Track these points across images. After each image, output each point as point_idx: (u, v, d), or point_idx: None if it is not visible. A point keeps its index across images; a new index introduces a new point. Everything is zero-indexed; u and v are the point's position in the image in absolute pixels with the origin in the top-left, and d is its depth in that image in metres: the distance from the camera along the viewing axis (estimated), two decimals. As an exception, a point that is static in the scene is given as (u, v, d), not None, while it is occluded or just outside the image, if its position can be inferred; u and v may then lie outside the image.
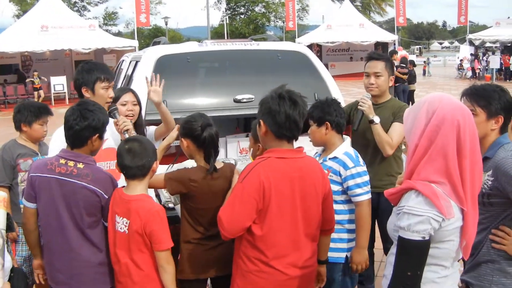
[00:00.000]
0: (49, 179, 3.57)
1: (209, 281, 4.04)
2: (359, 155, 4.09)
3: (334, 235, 3.86)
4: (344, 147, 4.06)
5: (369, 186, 4.02)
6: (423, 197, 2.44)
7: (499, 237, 3.13)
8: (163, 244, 3.49)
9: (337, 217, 3.80)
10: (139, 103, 4.70)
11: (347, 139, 4.17)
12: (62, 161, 3.57)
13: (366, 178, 4.01)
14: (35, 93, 28.40)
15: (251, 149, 4.24)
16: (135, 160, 3.51)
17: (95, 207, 3.56)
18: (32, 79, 28.61)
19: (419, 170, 2.52)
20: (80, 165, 3.55)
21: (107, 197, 3.55)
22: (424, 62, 46.92)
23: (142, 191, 3.59)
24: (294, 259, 3.37)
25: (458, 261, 2.71)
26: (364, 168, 4.04)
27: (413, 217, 2.44)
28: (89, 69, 4.19)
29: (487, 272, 3.14)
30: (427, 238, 2.43)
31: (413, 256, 2.46)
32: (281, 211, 3.28)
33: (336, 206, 3.83)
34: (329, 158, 4.05)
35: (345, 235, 4.07)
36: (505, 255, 3.14)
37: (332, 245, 3.86)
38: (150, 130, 4.80)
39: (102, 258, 3.65)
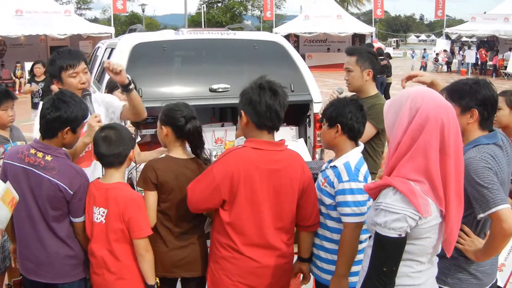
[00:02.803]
0: (18, 168, 3.52)
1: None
2: (362, 169, 3.56)
3: (328, 256, 3.62)
4: (348, 157, 3.56)
5: (362, 208, 3.41)
6: (401, 195, 2.44)
7: (458, 236, 3.15)
8: (141, 231, 3.48)
9: (331, 235, 3.60)
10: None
11: (358, 148, 3.65)
12: (32, 151, 3.51)
13: (360, 198, 3.40)
14: (17, 80, 28.05)
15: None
16: (111, 148, 3.49)
17: (59, 201, 3.49)
18: (16, 71, 28.28)
19: (399, 168, 2.51)
20: (48, 158, 3.47)
21: (72, 192, 3.47)
22: (424, 56, 44.31)
23: (119, 179, 3.57)
24: (265, 248, 3.39)
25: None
26: (362, 186, 3.38)
27: (390, 215, 2.44)
28: (52, 60, 4.12)
29: (445, 266, 3.15)
30: (403, 235, 2.45)
31: (389, 252, 2.47)
32: (249, 201, 3.30)
33: (330, 223, 3.59)
34: (331, 166, 3.61)
35: None
36: (463, 253, 3.17)
37: (324, 265, 3.64)
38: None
39: (70, 252, 3.61)
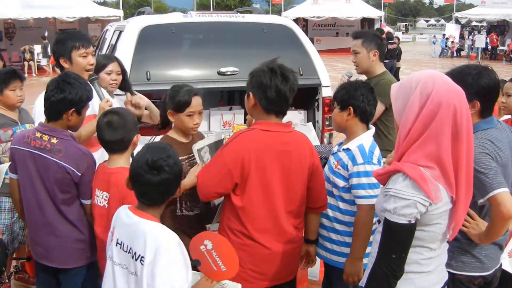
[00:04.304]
0: (25, 153, 3.50)
1: None
2: (376, 152, 3.62)
3: (339, 237, 3.66)
4: (361, 139, 3.60)
5: (377, 190, 3.41)
6: (411, 181, 2.40)
7: None
8: None
9: (343, 217, 3.62)
10: (123, 72, 4.68)
11: (370, 131, 3.69)
12: (38, 134, 3.49)
13: (375, 180, 3.11)
14: (25, 63, 28.05)
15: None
16: (114, 134, 3.43)
17: (67, 184, 3.48)
18: (24, 55, 28.24)
19: (409, 153, 2.46)
20: (54, 140, 3.45)
21: (79, 174, 3.46)
22: (452, 42, 42.30)
23: (123, 164, 3.50)
24: (276, 234, 3.37)
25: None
26: (376, 168, 3.41)
27: (399, 201, 2.40)
28: (63, 39, 4.12)
29: (449, 248, 3.14)
30: (413, 221, 2.41)
31: (398, 239, 2.45)
32: (261, 184, 3.28)
33: (341, 205, 3.62)
34: (343, 149, 3.64)
35: (349, 239, 3.61)
36: (467, 236, 3.17)
37: (335, 247, 3.67)
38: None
39: (80, 235, 3.61)
